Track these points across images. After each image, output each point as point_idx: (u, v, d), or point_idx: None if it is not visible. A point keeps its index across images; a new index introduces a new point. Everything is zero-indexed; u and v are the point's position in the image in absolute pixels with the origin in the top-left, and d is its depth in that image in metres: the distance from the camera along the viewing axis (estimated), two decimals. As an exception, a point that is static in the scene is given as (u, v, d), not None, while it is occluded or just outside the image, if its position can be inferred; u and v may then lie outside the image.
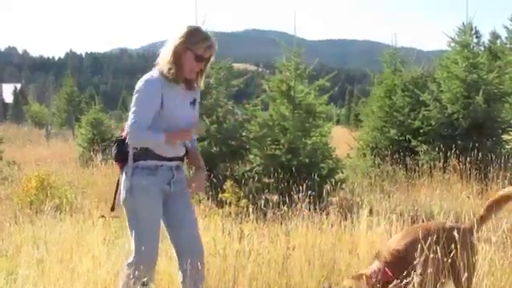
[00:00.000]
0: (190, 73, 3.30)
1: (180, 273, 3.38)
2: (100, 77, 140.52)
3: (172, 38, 3.29)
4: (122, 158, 3.35)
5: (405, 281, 2.95)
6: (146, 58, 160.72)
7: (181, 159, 3.44)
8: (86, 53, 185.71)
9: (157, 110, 3.24)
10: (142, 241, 3.27)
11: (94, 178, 10.45)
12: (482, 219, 3.51)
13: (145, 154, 3.28)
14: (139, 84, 3.29)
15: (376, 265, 3.27)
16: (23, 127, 35.40)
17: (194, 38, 3.26)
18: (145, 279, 3.20)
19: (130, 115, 3.24)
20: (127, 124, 3.27)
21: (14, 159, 14.24)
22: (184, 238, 3.40)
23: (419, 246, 3.00)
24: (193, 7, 8.17)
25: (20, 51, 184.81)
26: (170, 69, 3.23)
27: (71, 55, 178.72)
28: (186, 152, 3.47)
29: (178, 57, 3.23)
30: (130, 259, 3.31)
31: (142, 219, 3.30)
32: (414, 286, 2.85)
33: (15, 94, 61.67)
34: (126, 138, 3.33)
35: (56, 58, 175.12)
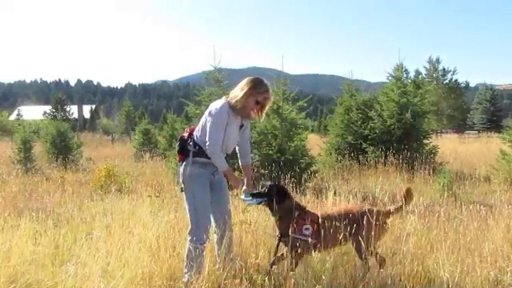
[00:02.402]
0: (250, 111, 3.29)
1: (215, 234, 3.34)
2: (148, 100, 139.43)
3: (245, 84, 3.26)
4: (182, 152, 3.31)
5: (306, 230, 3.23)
6: (179, 88, 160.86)
7: None
8: (139, 83, 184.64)
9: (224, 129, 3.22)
10: (198, 212, 3.20)
11: (144, 169, 10.47)
12: (401, 207, 3.39)
13: (200, 153, 3.25)
14: (214, 111, 3.21)
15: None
16: (96, 135, 35.38)
17: (259, 89, 3.24)
18: (202, 241, 3.16)
19: (209, 133, 3.19)
20: (207, 139, 3.18)
21: (90, 156, 14.27)
22: (219, 211, 3.34)
23: (338, 218, 3.23)
24: (211, 49, 8.15)
25: (95, 83, 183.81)
26: (236, 105, 3.22)
27: (129, 85, 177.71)
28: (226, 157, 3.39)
29: (245, 99, 3.21)
30: (190, 228, 3.23)
31: (198, 196, 3.23)
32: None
33: (91, 112, 61.72)
34: (188, 138, 3.30)
35: (118, 87, 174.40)
